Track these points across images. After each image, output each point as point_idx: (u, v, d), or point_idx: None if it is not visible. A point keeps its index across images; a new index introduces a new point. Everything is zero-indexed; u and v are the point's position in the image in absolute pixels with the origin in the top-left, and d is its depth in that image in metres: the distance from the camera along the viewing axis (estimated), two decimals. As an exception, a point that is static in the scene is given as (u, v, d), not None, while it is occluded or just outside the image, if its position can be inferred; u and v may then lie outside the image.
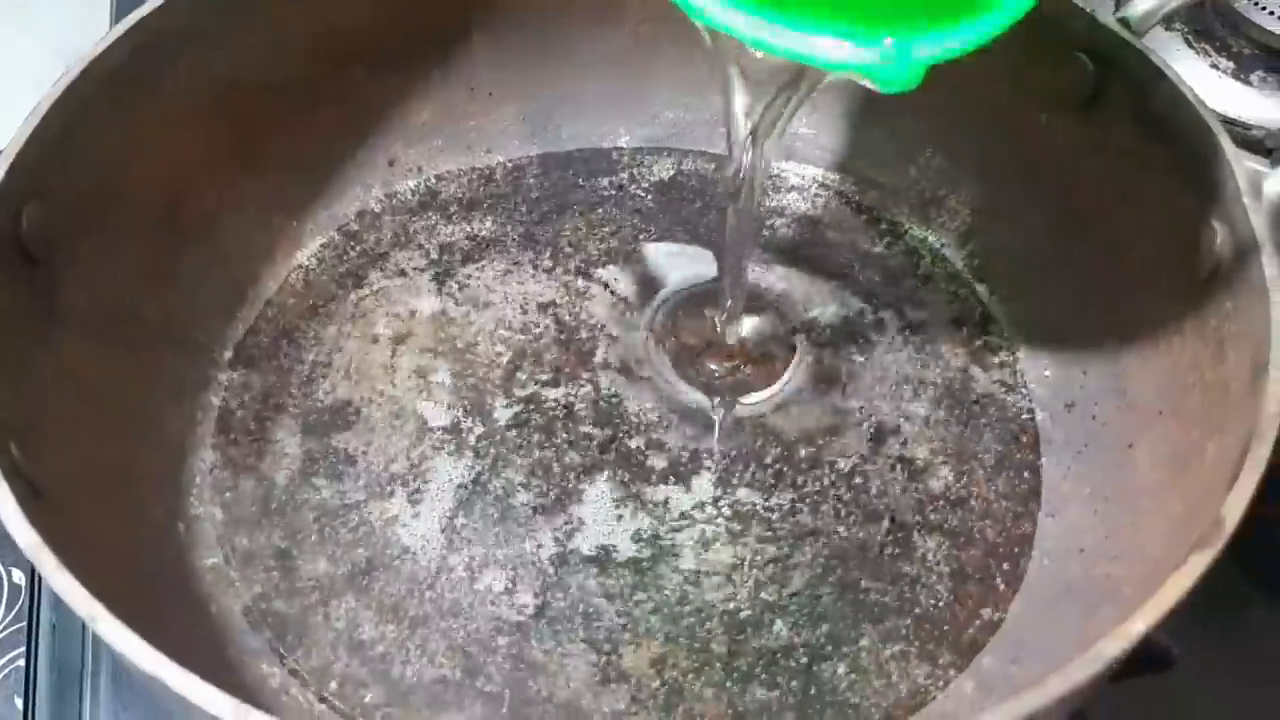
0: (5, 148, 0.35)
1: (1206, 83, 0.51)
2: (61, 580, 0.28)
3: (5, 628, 0.48)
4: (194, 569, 0.38)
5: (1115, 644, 0.27)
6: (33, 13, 0.65)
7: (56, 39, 0.65)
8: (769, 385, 0.43)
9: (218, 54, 0.42)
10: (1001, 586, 0.38)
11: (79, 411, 0.37)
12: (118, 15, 0.61)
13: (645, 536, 0.40)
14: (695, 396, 0.43)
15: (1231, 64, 0.53)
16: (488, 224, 0.48)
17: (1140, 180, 0.40)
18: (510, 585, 0.39)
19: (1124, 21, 0.40)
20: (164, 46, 0.40)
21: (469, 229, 0.48)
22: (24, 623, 0.47)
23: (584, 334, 0.45)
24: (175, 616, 0.36)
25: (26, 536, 0.28)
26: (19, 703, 0.45)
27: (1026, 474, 0.41)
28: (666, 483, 0.41)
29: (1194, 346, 0.37)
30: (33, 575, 0.48)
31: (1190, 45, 0.52)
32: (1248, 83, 0.52)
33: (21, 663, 0.46)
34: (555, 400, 0.43)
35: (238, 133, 0.44)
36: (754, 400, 0.43)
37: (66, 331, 0.38)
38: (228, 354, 0.44)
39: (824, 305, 0.46)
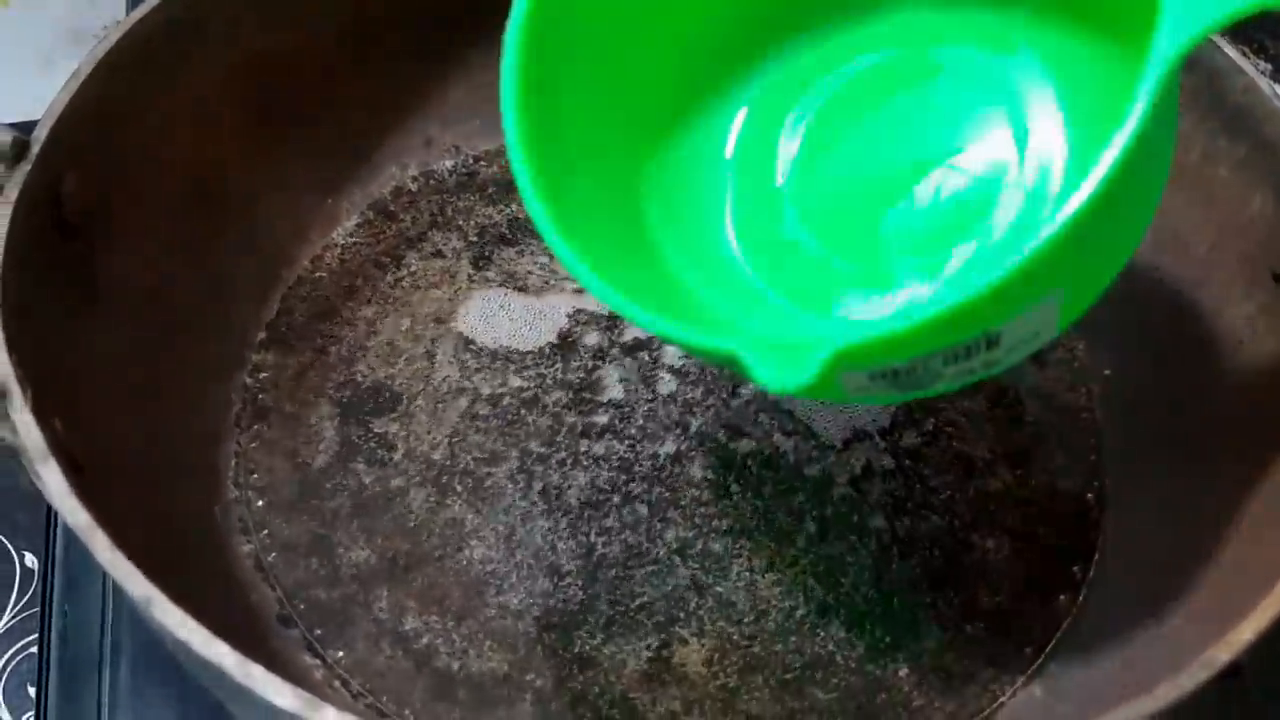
0: (43, 116, 0.34)
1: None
2: (115, 560, 0.26)
3: (18, 614, 0.46)
4: (232, 554, 0.37)
5: (1225, 652, 0.26)
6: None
7: (69, 18, 0.64)
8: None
9: (253, 29, 0.41)
10: (1067, 589, 0.37)
11: (115, 390, 0.35)
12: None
13: (699, 533, 0.38)
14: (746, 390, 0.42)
15: (1269, 65, 0.52)
16: (528, 206, 0.47)
17: (1209, 173, 0.39)
18: (556, 579, 0.37)
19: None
20: (198, 19, 0.39)
21: (509, 211, 0.47)
22: (38, 608, 0.45)
23: (631, 328, 0.43)
24: (213, 603, 0.34)
25: (78, 515, 0.27)
26: (32, 691, 0.43)
27: (1089, 474, 0.40)
28: (721, 479, 0.40)
29: (1271, 347, 0.36)
30: (47, 561, 0.47)
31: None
32: (1282, 82, 0.52)
33: (35, 650, 0.45)
34: (599, 395, 0.41)
35: (274, 109, 0.43)
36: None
37: (103, 307, 0.36)
38: (262, 334, 0.42)
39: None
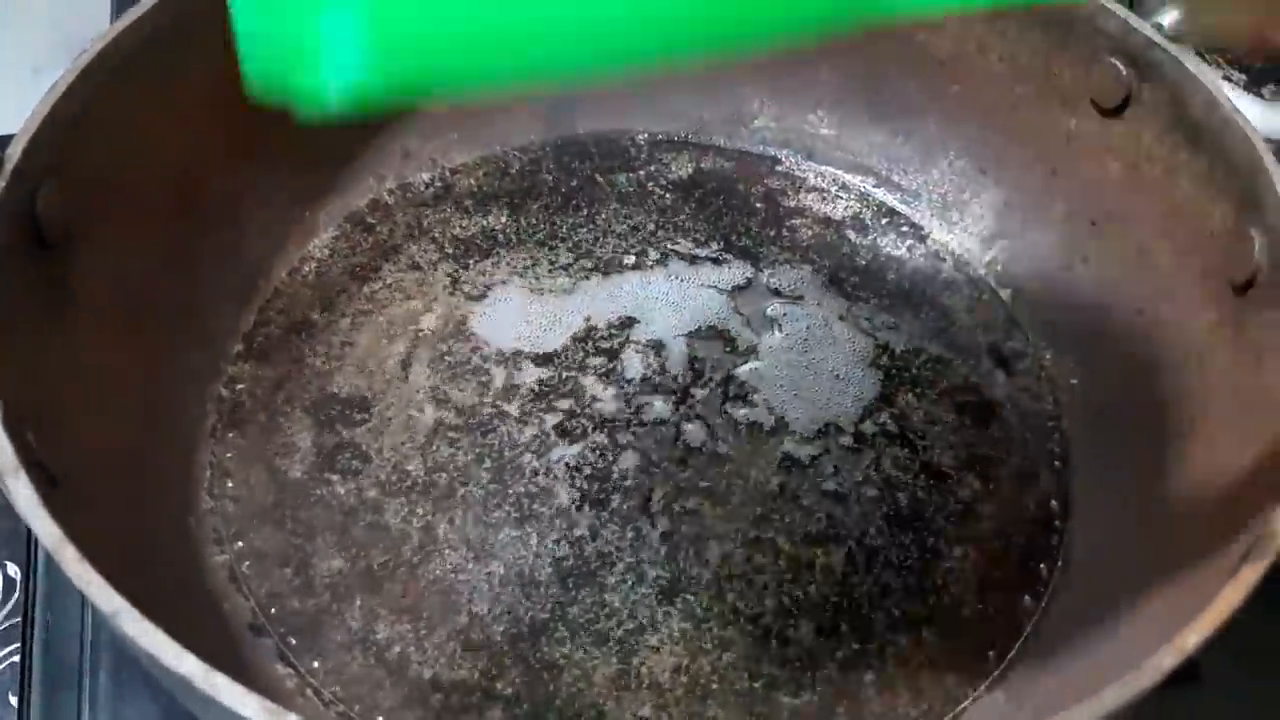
0: (22, 127, 0.34)
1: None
2: (83, 573, 0.27)
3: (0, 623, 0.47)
4: (205, 565, 0.37)
5: (1169, 657, 0.26)
6: (24, 3, 0.63)
7: (56, 28, 0.64)
8: (790, 388, 0.43)
9: (230, 40, 0.41)
10: (1030, 596, 0.38)
11: (90, 400, 0.36)
12: (119, 5, 0.60)
13: (668, 540, 0.39)
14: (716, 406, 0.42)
15: (1244, 76, 0.53)
16: (503, 218, 0.47)
17: (1171, 186, 0.40)
18: (528, 588, 0.38)
19: (1159, 27, 0.40)
20: (180, 31, 0.39)
21: (484, 223, 0.47)
22: (19, 619, 0.46)
23: (604, 339, 0.44)
24: (186, 613, 0.35)
25: (47, 528, 0.27)
26: (14, 700, 0.44)
27: (1054, 482, 0.40)
28: (687, 489, 0.40)
29: (1229, 355, 0.36)
30: (28, 570, 0.47)
31: (1202, 57, 0.52)
32: (1259, 95, 0.53)
33: (16, 659, 0.45)
34: (570, 406, 0.42)
35: (251, 119, 0.43)
36: (775, 403, 0.42)
37: (80, 317, 0.36)
38: (238, 345, 0.43)
39: (844, 309, 0.45)
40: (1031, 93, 0.44)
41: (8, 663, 0.45)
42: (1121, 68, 0.40)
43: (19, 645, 0.44)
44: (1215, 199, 0.38)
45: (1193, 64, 0.39)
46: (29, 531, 0.46)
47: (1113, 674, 0.31)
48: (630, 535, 0.39)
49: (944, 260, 0.46)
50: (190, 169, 0.41)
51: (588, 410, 0.42)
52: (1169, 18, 0.41)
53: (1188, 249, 0.39)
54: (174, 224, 0.41)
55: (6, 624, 0.46)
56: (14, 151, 0.34)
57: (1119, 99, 0.41)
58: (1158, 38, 0.40)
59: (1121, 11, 0.41)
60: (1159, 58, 0.39)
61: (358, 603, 0.37)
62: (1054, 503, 0.40)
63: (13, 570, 0.48)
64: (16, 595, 0.47)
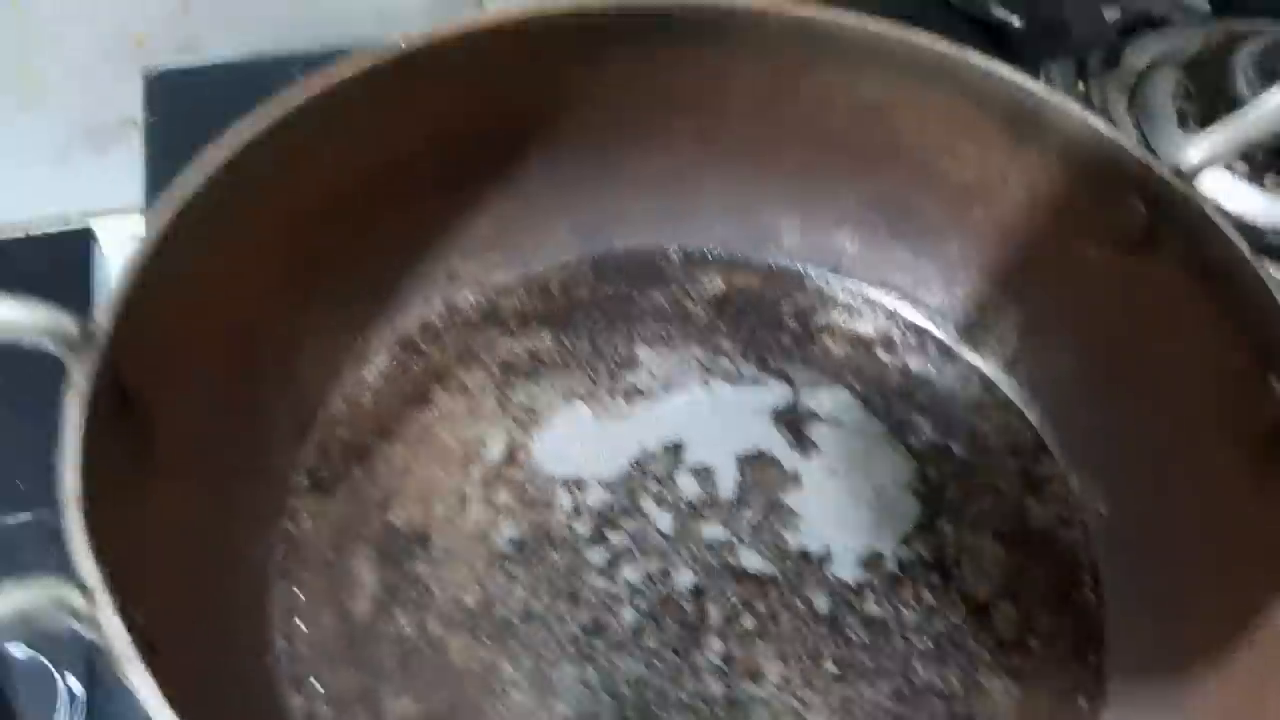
0: (104, 302, 0.36)
1: (1221, 186, 0.53)
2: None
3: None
4: (284, 708, 0.39)
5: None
6: (50, 87, 0.65)
7: (84, 116, 0.65)
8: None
9: (283, 188, 0.43)
10: (1075, 734, 0.40)
11: (172, 556, 0.37)
12: (148, 94, 0.61)
13: (726, 675, 0.41)
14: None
15: (1246, 166, 0.55)
16: (547, 340, 0.49)
17: (1190, 326, 0.42)
18: (593, 724, 0.39)
19: (1177, 170, 0.42)
20: (234, 185, 0.40)
21: (529, 345, 0.49)
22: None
23: (655, 464, 0.45)
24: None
25: (161, 709, 0.29)
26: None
27: (1089, 613, 0.42)
28: (741, 617, 0.42)
29: (1256, 501, 0.39)
30: (90, 684, 0.48)
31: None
32: (1262, 185, 0.55)
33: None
34: (628, 533, 0.44)
35: (304, 257, 0.45)
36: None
37: (158, 476, 0.38)
38: (302, 480, 0.44)
39: (881, 432, 0.47)
40: (1052, 221, 0.46)
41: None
42: (1140, 206, 0.42)
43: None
44: (1234, 344, 0.40)
45: (1210, 208, 0.41)
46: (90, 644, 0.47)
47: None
48: (688, 668, 0.41)
49: (972, 381, 0.48)
50: (249, 315, 0.42)
51: (645, 539, 0.43)
52: (1194, 157, 0.42)
53: (1207, 392, 0.41)
54: (235, 369, 0.42)
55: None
56: (103, 323, 0.35)
57: (1137, 236, 0.43)
58: (1176, 180, 0.42)
59: (1140, 152, 0.43)
60: (1177, 199, 0.41)
61: (430, 743, 0.39)
62: (1090, 635, 0.42)
63: (75, 685, 0.49)
64: (81, 711, 0.48)
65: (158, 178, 0.59)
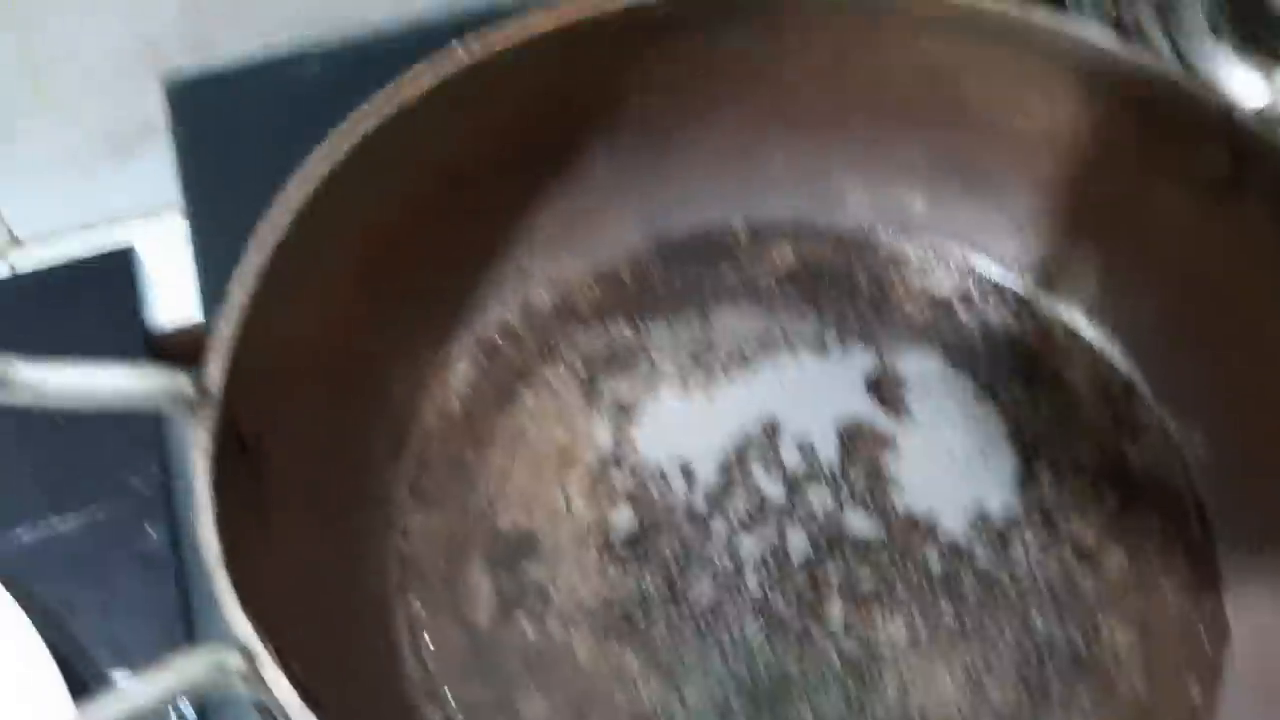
0: (210, 355, 0.36)
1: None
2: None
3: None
4: (426, 728, 0.40)
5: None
6: (67, 100, 0.64)
7: (103, 123, 0.64)
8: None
9: (360, 211, 0.43)
10: (1198, 674, 0.40)
11: (305, 598, 0.38)
12: (169, 100, 0.60)
13: (847, 651, 0.41)
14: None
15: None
16: (625, 331, 0.49)
17: (1273, 268, 0.42)
18: (727, 714, 0.40)
19: (1259, 112, 0.41)
20: (316, 216, 0.40)
21: (607, 336, 0.49)
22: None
23: (753, 444, 0.46)
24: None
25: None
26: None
27: (1201, 554, 0.43)
28: (860, 589, 0.42)
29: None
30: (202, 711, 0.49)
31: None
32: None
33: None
34: (734, 514, 0.44)
35: (386, 277, 0.45)
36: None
37: (276, 514, 0.38)
38: (404, 494, 0.45)
39: (970, 389, 0.47)
40: (1128, 168, 0.45)
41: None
42: (1223, 149, 0.42)
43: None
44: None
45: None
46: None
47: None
48: (811, 650, 0.41)
49: (1055, 330, 0.48)
50: (341, 341, 0.43)
51: (750, 517, 0.44)
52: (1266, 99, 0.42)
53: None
54: (333, 397, 0.43)
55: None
56: (215, 379, 0.35)
57: (1219, 178, 0.43)
58: (1259, 122, 0.41)
59: (1221, 94, 0.42)
60: (1262, 141, 0.41)
61: (570, 745, 0.40)
62: (1206, 576, 0.42)
63: (187, 710, 0.50)
64: None
65: (189, 180, 0.59)
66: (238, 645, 0.31)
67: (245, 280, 0.37)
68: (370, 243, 0.44)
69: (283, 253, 0.38)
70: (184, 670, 0.30)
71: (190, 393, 0.34)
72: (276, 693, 0.30)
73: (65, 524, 0.51)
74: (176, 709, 0.50)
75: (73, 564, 0.50)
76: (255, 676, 0.31)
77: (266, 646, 0.31)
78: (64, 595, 0.48)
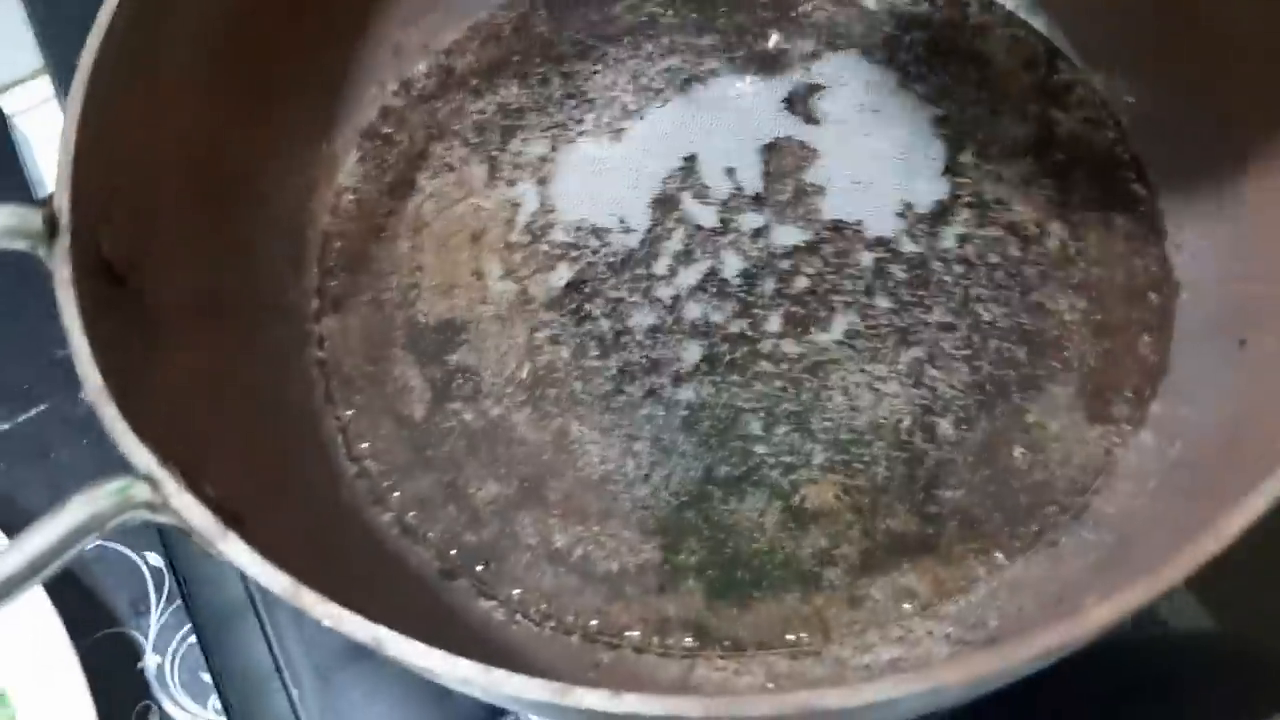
0: (55, 182, 0.33)
1: None
2: (331, 611, 0.27)
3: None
4: (376, 529, 0.38)
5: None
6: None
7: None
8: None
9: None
10: (1149, 330, 0.39)
11: (220, 421, 0.36)
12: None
13: (786, 380, 0.40)
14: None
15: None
16: (514, 89, 0.46)
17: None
18: (676, 458, 0.39)
19: None
20: (140, 11, 0.36)
21: (498, 99, 0.46)
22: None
23: (661, 184, 0.43)
24: (399, 592, 0.36)
25: (275, 579, 0.28)
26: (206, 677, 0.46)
27: (1141, 209, 0.41)
28: (798, 324, 0.41)
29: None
30: (170, 556, 0.48)
31: None
32: None
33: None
34: (654, 266, 0.42)
35: (243, 76, 0.41)
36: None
37: (169, 340, 0.36)
38: (314, 303, 0.42)
39: (887, 82, 0.44)
40: None
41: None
42: None
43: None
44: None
45: None
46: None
47: (1256, 398, 0.33)
48: (747, 384, 0.40)
49: (969, 5, 0.45)
50: (206, 149, 0.40)
51: (670, 265, 0.42)
52: None
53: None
54: (210, 209, 0.40)
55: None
56: (60, 204, 0.33)
57: None
58: None
59: None
60: None
61: (526, 520, 0.39)
62: (1147, 231, 0.40)
63: (156, 561, 0.49)
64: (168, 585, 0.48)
65: (49, 36, 0.55)
66: (140, 474, 0.29)
67: (74, 92, 0.34)
68: (220, 34, 0.40)
69: (113, 55, 0.35)
70: (85, 506, 0.28)
71: (37, 224, 0.32)
72: (187, 516, 0.29)
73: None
74: (148, 565, 0.50)
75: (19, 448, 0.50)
76: (162, 503, 0.29)
77: (170, 470, 0.29)
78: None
